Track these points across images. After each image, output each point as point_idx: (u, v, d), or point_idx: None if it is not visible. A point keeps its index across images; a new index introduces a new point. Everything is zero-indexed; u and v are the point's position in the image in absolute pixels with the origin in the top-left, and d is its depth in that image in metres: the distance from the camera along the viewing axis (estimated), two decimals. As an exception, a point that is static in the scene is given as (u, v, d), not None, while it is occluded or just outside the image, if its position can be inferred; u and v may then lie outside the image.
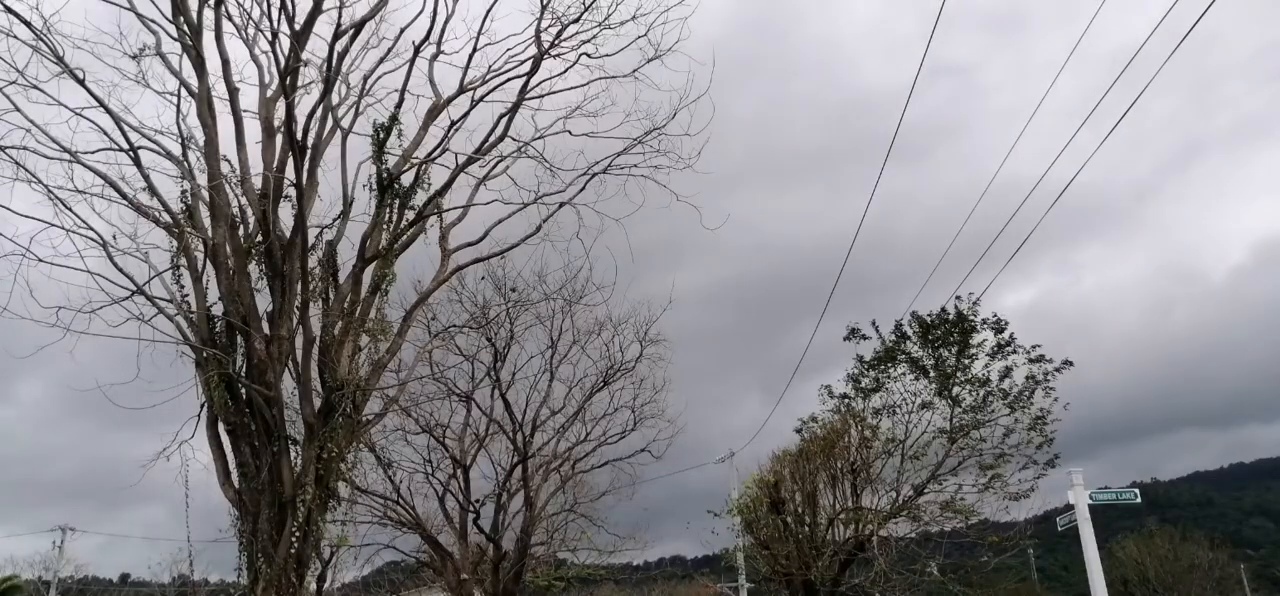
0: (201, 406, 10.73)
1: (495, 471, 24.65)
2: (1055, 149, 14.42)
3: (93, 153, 10.65)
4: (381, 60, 12.65)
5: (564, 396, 24.84)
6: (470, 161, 12.78)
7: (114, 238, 10.68)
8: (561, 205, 13.19)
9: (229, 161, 11.44)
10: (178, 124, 11.60)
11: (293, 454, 10.72)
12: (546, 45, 12.70)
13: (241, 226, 11.36)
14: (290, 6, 11.48)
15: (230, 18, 11.69)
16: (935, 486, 19.21)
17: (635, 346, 24.15)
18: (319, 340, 11.17)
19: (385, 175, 12.05)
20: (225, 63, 11.22)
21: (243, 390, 10.62)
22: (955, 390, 19.18)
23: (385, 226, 12.12)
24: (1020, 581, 44.24)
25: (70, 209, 10.46)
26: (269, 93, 11.91)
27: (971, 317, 19.25)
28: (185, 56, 11.46)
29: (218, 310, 10.98)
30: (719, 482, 35.06)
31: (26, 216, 10.03)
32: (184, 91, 11.60)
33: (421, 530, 24.16)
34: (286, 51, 11.43)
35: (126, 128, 10.82)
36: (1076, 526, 21.28)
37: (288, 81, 11.37)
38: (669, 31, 12.50)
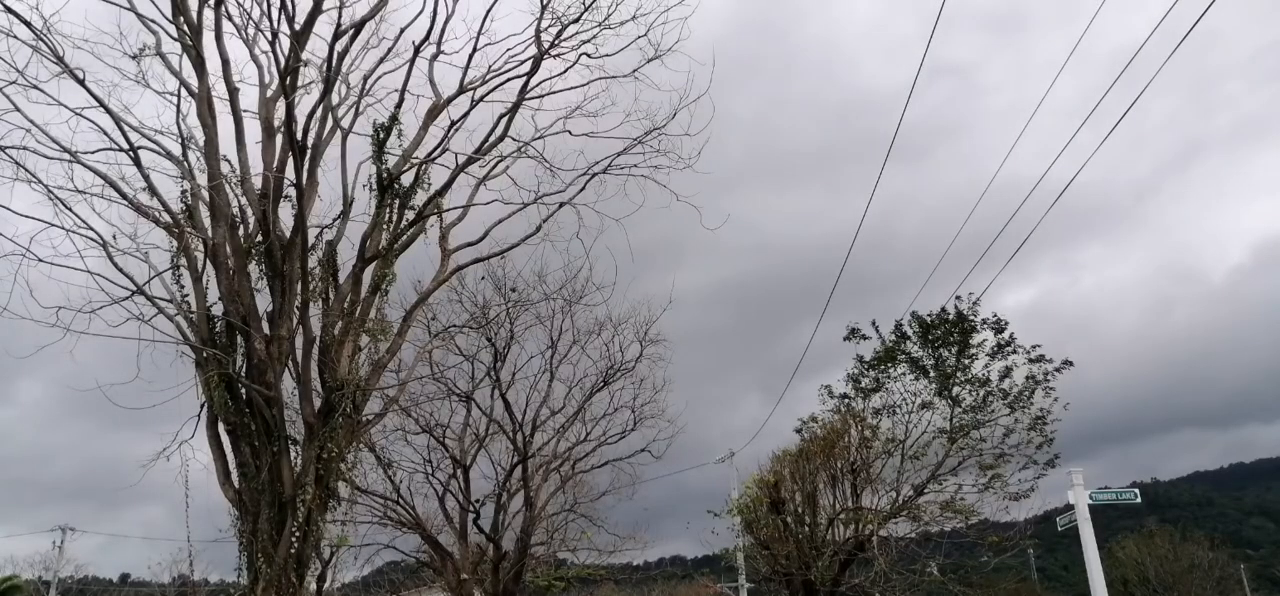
0: (201, 406, 10.72)
1: (495, 471, 24.68)
2: (1055, 149, 14.45)
3: (93, 153, 10.66)
4: (381, 60, 12.65)
5: (564, 396, 24.87)
6: (470, 161, 12.77)
7: (114, 237, 10.69)
8: (561, 205, 13.18)
9: (229, 161, 11.44)
10: (178, 124, 11.61)
11: (293, 454, 10.71)
12: (546, 45, 12.69)
13: (241, 226, 11.35)
14: (290, 6, 11.48)
15: (230, 18, 11.69)
16: (935, 486, 19.23)
17: (635, 346, 24.16)
18: (319, 340, 11.16)
19: (385, 175, 12.04)
20: (225, 63, 11.21)
21: (243, 390, 10.61)
22: (955, 390, 19.19)
23: (385, 226, 12.11)
24: (1020, 581, 44.17)
25: (70, 209, 10.46)
26: (269, 93, 11.90)
27: (971, 318, 19.27)
28: (185, 56, 11.45)
29: (218, 310, 10.97)
30: (719, 482, 35.18)
31: (26, 216, 10.03)
32: (184, 91, 11.59)
33: (421, 530, 24.13)
34: (286, 51, 11.41)
35: (126, 128, 10.82)
36: (1076, 526, 21.30)
37: (288, 81, 11.35)
38: (669, 31, 12.51)
